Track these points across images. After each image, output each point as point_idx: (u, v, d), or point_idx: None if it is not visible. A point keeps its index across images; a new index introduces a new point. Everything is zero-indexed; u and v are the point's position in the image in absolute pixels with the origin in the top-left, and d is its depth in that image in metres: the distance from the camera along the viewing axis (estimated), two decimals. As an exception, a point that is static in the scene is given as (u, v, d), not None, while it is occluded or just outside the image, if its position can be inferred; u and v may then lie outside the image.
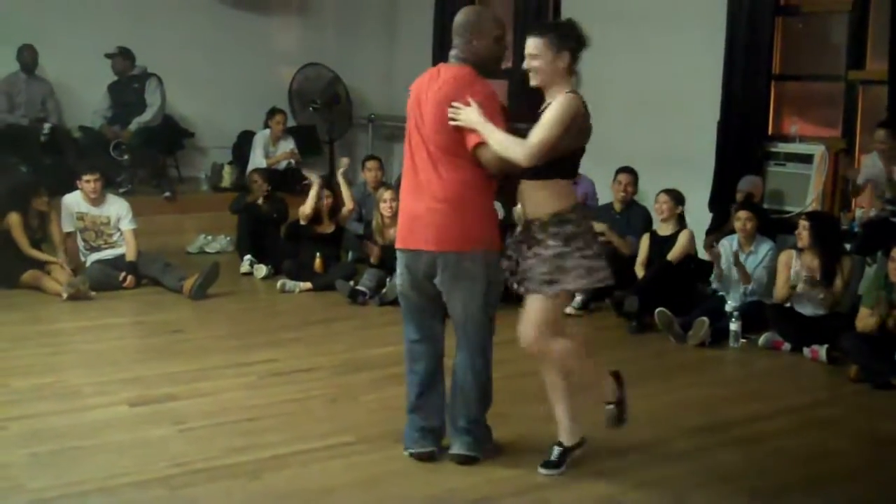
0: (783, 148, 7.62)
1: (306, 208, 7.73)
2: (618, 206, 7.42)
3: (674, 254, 6.81)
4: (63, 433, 4.39)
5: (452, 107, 3.89)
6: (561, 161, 3.87)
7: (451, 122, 3.89)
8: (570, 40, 3.96)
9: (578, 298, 6.96)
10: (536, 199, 3.92)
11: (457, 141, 3.91)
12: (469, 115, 3.85)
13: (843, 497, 3.97)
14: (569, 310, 6.92)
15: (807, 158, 7.42)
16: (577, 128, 3.84)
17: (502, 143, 3.81)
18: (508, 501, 3.82)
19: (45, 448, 4.22)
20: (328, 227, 7.79)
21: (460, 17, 4.11)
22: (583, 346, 4.22)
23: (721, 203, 7.62)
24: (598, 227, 7.15)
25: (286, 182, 9.56)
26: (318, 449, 4.27)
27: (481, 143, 3.85)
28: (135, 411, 4.72)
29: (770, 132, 7.76)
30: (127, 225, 7.48)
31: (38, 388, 5.01)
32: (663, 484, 3.99)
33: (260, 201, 8.32)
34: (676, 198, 6.98)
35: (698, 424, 4.74)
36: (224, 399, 4.92)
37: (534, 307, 3.91)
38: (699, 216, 7.75)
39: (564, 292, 3.96)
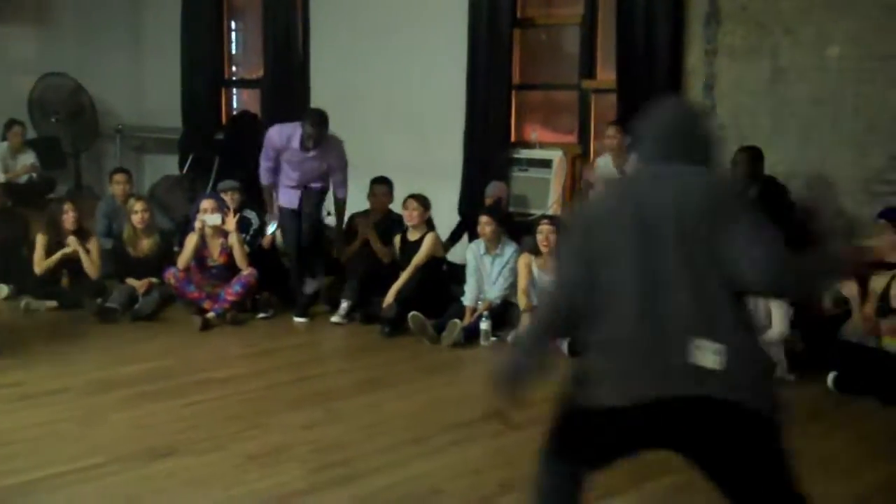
0: (525, 154, 8.02)
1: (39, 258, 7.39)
2: (375, 217, 7.47)
3: (419, 257, 6.99)
4: None
5: None
6: None
7: None
8: None
9: (344, 305, 7.04)
10: None
11: None
12: None
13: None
14: (335, 318, 6.98)
15: (547, 163, 7.84)
16: None
17: None
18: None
19: None
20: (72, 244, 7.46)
21: None
22: None
23: (470, 207, 7.92)
24: (364, 230, 7.32)
25: (28, 197, 9.15)
26: (67, 472, 4.14)
27: None
28: None
29: (513, 139, 8.15)
30: None
31: None
32: (418, 480, 4.13)
33: None
34: (424, 203, 7.16)
35: (453, 421, 4.93)
36: (-34, 428, 4.69)
37: None
38: (451, 222, 8.03)
39: None
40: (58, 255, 7.29)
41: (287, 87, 9.36)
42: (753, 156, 6.47)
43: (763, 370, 2.69)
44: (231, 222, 7.12)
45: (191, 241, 7.09)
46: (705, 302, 2.51)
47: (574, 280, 2.69)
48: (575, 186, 7.86)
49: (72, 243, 7.25)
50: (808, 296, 5.02)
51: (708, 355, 2.48)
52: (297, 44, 9.38)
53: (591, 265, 2.63)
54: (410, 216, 7.09)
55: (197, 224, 7.10)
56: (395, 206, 7.42)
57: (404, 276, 6.95)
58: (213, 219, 7.05)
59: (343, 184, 7.24)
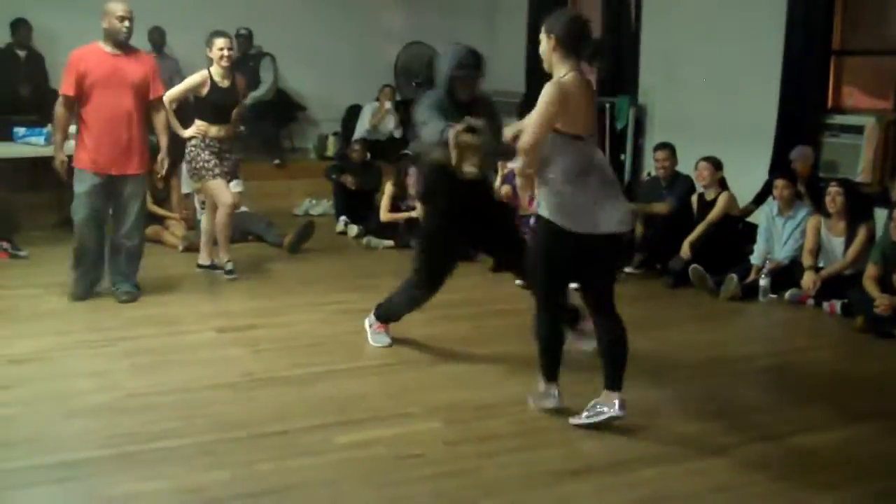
0: (837, 120, 8.03)
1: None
2: (663, 182, 7.95)
3: (713, 214, 7.35)
4: (159, 350, 5.37)
5: None
6: None
7: None
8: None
9: (637, 257, 7.57)
10: None
11: None
12: None
13: (809, 415, 4.54)
14: (628, 269, 7.51)
15: (859, 129, 7.81)
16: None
17: None
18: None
19: (143, 360, 5.19)
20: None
21: None
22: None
23: (780, 171, 8.06)
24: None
25: (387, 151, 10.39)
26: (364, 367, 5.13)
27: None
28: (220, 336, 5.68)
29: (829, 105, 8.16)
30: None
31: (147, 317, 6.02)
32: (635, 405, 4.43)
33: (349, 180, 9.17)
34: (715, 164, 7.48)
35: (696, 359, 5.40)
36: (296, 330, 5.81)
37: None
38: (758, 185, 8.22)
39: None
40: (403, 216, 8.43)
41: (617, 56, 9.88)
42: None
43: None
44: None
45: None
46: None
47: None
48: (886, 153, 7.77)
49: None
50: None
51: None
52: (629, 15, 9.87)
53: None
54: (701, 175, 7.46)
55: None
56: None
57: (698, 230, 7.33)
58: None
59: None
